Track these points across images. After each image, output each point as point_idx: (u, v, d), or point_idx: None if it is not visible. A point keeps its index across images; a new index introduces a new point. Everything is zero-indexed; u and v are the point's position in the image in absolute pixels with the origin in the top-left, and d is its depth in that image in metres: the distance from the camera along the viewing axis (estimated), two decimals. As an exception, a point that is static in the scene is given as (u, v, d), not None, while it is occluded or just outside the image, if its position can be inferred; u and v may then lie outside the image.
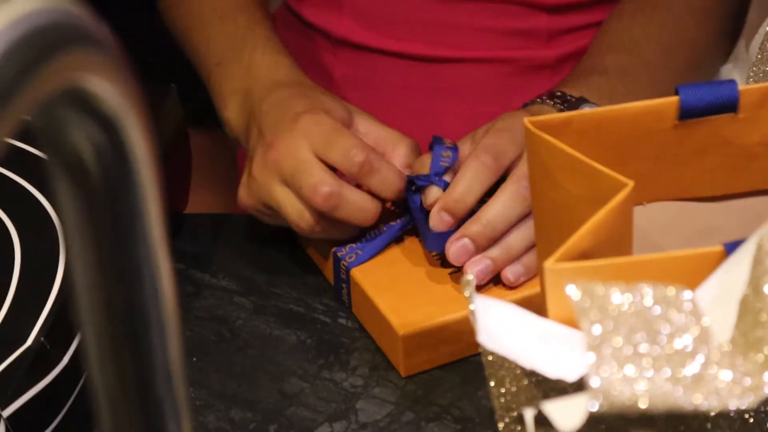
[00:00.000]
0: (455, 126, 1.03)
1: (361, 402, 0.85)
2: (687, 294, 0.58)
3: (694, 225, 0.74)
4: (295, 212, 0.89)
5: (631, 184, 0.65)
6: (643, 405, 0.56)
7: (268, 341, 0.91)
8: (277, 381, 0.87)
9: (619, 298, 0.58)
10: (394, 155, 0.92)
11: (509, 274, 0.89)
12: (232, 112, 0.98)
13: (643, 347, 0.57)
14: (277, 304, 0.94)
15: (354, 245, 0.92)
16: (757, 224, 0.65)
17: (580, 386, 0.65)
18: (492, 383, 0.67)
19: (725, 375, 0.58)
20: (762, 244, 0.60)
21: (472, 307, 0.64)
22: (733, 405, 0.57)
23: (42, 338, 0.76)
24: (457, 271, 0.90)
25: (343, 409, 0.85)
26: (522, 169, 0.89)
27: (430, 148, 0.93)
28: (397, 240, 0.93)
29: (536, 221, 0.72)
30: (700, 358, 0.58)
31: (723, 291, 0.61)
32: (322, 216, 0.89)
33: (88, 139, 0.42)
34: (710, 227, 0.75)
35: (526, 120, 0.69)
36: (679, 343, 0.58)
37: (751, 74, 0.82)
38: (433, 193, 0.90)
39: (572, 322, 0.62)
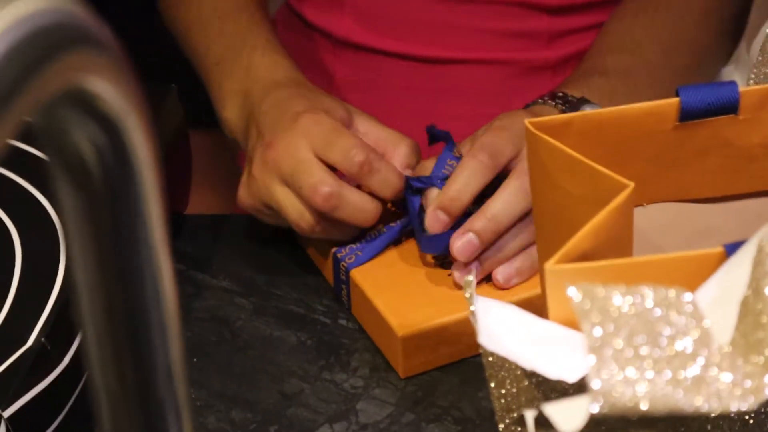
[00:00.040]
0: (456, 127, 1.03)
1: (361, 403, 0.85)
2: (687, 296, 0.58)
3: (694, 226, 0.75)
4: (296, 212, 0.89)
5: (631, 185, 0.65)
6: (643, 407, 0.56)
7: (269, 342, 0.91)
8: (278, 382, 0.87)
9: (619, 300, 0.58)
10: (395, 155, 0.92)
11: (499, 276, 0.89)
12: (231, 113, 0.98)
13: (644, 349, 0.57)
14: (277, 305, 0.94)
15: (354, 246, 0.92)
16: (757, 225, 0.65)
17: (580, 387, 0.65)
18: (492, 384, 0.67)
19: (726, 377, 0.58)
20: (762, 246, 0.60)
21: (472, 308, 0.64)
22: (734, 407, 0.57)
23: (43, 339, 0.76)
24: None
25: (344, 410, 0.85)
26: (525, 165, 0.89)
27: (432, 139, 0.94)
28: (397, 241, 0.93)
29: (536, 222, 0.72)
30: (700, 360, 0.58)
31: (723, 292, 0.61)
32: (322, 216, 0.89)
33: (89, 139, 0.42)
34: (710, 228, 0.75)
35: (527, 121, 0.69)
36: (679, 345, 0.58)
37: (752, 76, 0.82)
38: (434, 194, 0.90)
39: (573, 323, 0.62)
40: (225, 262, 0.98)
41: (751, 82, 0.80)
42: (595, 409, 0.56)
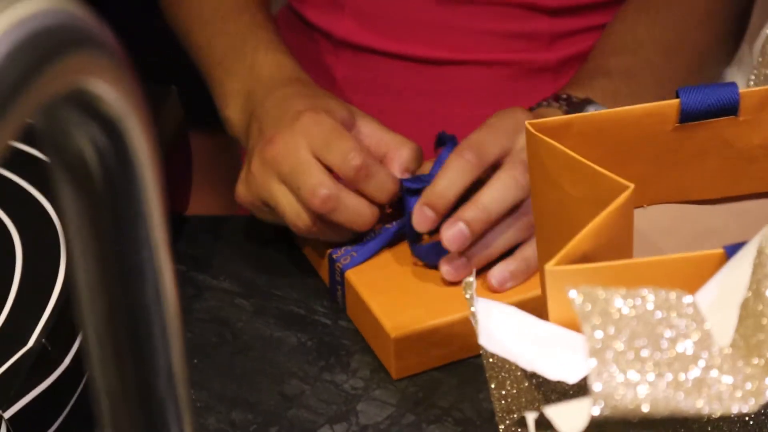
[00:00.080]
0: (456, 128, 1.03)
1: (361, 404, 0.85)
2: (688, 298, 0.59)
3: (694, 227, 0.75)
4: (293, 212, 0.89)
5: (631, 186, 0.65)
6: (644, 409, 0.56)
7: (269, 343, 0.91)
8: (278, 383, 0.87)
9: (620, 302, 0.58)
10: (396, 158, 0.92)
11: (494, 279, 0.89)
12: (233, 111, 0.98)
13: (645, 352, 0.57)
14: (277, 306, 0.94)
15: (349, 247, 0.92)
16: (757, 227, 0.65)
17: (581, 388, 0.65)
18: (493, 385, 0.67)
19: (726, 379, 0.58)
20: (763, 248, 0.60)
21: (473, 309, 0.65)
22: (735, 409, 0.57)
23: (43, 340, 0.77)
24: None
25: (344, 411, 0.85)
26: (517, 157, 0.89)
27: (440, 143, 0.94)
28: (393, 243, 0.93)
29: (537, 223, 0.72)
30: (701, 363, 0.58)
31: (724, 294, 0.61)
32: (319, 217, 0.89)
33: (90, 140, 0.42)
34: (710, 230, 0.75)
35: (527, 122, 0.69)
36: (680, 348, 0.58)
37: (752, 77, 0.82)
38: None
39: (573, 325, 0.62)
40: (225, 263, 0.98)
41: (752, 83, 0.80)
42: (596, 411, 0.56)
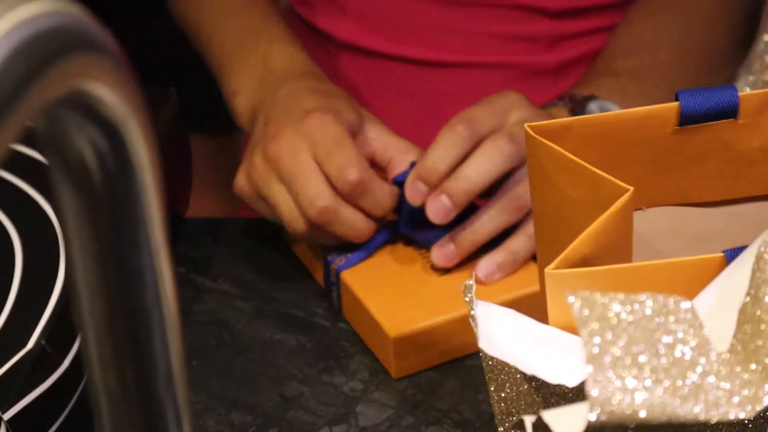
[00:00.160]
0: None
1: (360, 406, 0.85)
2: (686, 304, 0.59)
3: (694, 230, 0.75)
4: (290, 214, 0.90)
5: (631, 189, 0.65)
6: (642, 415, 0.56)
7: (268, 345, 0.91)
8: (277, 385, 0.87)
9: (618, 307, 0.58)
10: (401, 164, 0.92)
11: (480, 272, 0.89)
12: (243, 101, 0.98)
13: (643, 357, 0.57)
14: (277, 308, 0.94)
15: (343, 249, 0.93)
16: (757, 230, 0.65)
17: (580, 391, 0.65)
18: (492, 388, 0.67)
19: (724, 385, 0.58)
20: (761, 254, 0.60)
21: (473, 312, 0.65)
22: (732, 415, 0.57)
23: (43, 341, 0.77)
24: (448, 272, 0.91)
25: (343, 413, 0.85)
26: (504, 129, 0.88)
27: None
28: (387, 243, 0.93)
29: (536, 226, 0.72)
30: (699, 369, 0.58)
31: (722, 300, 0.61)
32: (314, 224, 0.89)
33: (90, 143, 0.43)
34: (710, 232, 0.75)
35: (526, 125, 0.69)
36: (678, 354, 0.58)
37: (750, 82, 0.82)
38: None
39: (573, 328, 0.62)
40: (225, 265, 0.98)
41: (747, 88, 0.80)
42: (593, 417, 0.56)
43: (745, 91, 0.71)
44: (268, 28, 1.01)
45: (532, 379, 0.66)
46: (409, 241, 0.94)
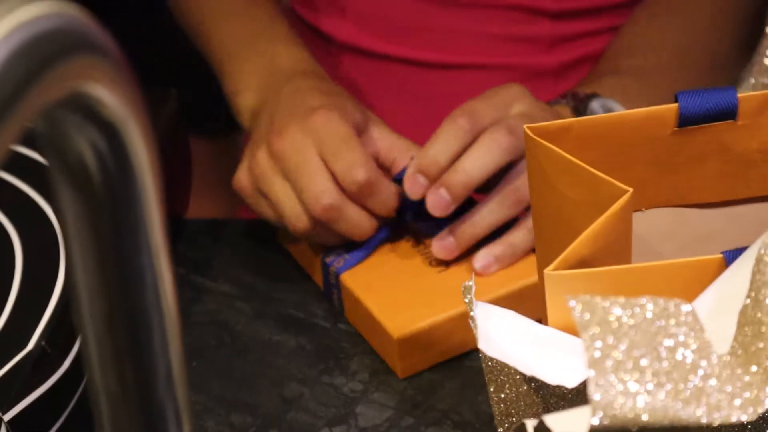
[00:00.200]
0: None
1: (360, 407, 0.85)
2: (687, 307, 0.59)
3: (693, 231, 0.75)
4: (293, 212, 0.89)
5: (630, 190, 0.65)
6: (644, 419, 0.56)
7: (268, 346, 0.91)
8: (277, 386, 0.87)
9: (619, 311, 0.58)
10: (405, 161, 0.92)
11: (478, 263, 0.89)
12: (246, 100, 0.98)
13: (644, 361, 0.57)
14: (277, 309, 0.94)
15: (341, 250, 0.93)
16: (756, 231, 0.65)
17: (579, 392, 0.65)
18: (491, 388, 0.67)
19: (726, 388, 0.58)
20: (761, 256, 0.60)
21: (472, 313, 0.65)
22: (734, 418, 0.57)
23: (43, 342, 0.77)
24: (447, 269, 0.91)
25: (343, 413, 0.85)
26: (503, 123, 0.88)
27: None
28: (385, 243, 0.93)
29: (536, 227, 0.72)
30: (700, 371, 0.58)
31: (722, 302, 0.61)
32: (318, 222, 0.89)
33: (90, 144, 0.43)
34: (709, 233, 0.75)
35: (526, 127, 0.69)
36: (679, 357, 0.58)
37: (750, 85, 0.82)
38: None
39: (572, 329, 0.62)
40: (225, 266, 0.98)
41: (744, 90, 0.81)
42: (596, 421, 0.56)
43: (733, 87, 0.71)
44: (272, 27, 1.01)
45: (531, 380, 0.66)
46: (409, 237, 0.94)
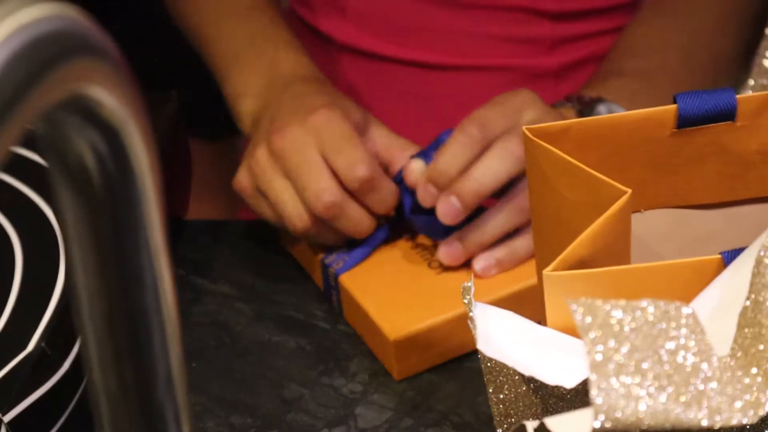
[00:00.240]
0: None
1: (360, 408, 0.85)
2: (687, 310, 0.59)
3: (691, 232, 0.75)
4: (294, 211, 0.89)
5: (629, 191, 0.65)
6: (645, 422, 0.56)
7: (268, 347, 0.91)
8: (277, 387, 0.88)
9: (620, 315, 0.58)
10: (401, 160, 0.92)
11: (478, 266, 0.89)
12: (247, 106, 0.98)
13: (645, 364, 0.57)
14: (277, 311, 0.94)
15: (340, 251, 0.93)
16: (755, 232, 0.65)
17: (578, 393, 0.65)
18: (490, 389, 0.67)
19: (726, 390, 0.58)
20: (761, 258, 0.60)
21: (471, 314, 0.65)
22: (735, 420, 0.57)
23: (43, 344, 0.77)
24: (445, 272, 0.91)
25: (343, 415, 0.85)
26: (515, 131, 0.88)
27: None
28: (384, 244, 0.94)
29: (535, 228, 0.73)
30: (701, 375, 0.58)
31: (722, 304, 0.61)
32: (318, 220, 0.89)
33: (90, 147, 0.43)
34: (708, 234, 0.75)
35: (525, 128, 0.69)
36: (680, 360, 0.58)
37: (751, 83, 0.82)
38: (415, 165, 0.90)
39: (571, 330, 0.62)
40: (225, 267, 0.98)
41: (750, 92, 0.81)
42: (597, 424, 0.56)
43: (731, 88, 0.72)
44: (273, 32, 1.01)
45: (530, 381, 0.66)
46: (408, 238, 0.94)
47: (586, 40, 1.10)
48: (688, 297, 0.62)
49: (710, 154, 0.72)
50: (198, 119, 1.18)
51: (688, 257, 0.65)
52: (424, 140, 0.97)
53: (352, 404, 0.86)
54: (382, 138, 0.93)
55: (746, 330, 0.59)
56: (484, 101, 1.09)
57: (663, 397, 0.57)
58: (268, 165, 0.90)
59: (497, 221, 0.90)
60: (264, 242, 1.00)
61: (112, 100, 0.41)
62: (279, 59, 0.98)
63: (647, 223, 0.74)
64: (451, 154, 0.88)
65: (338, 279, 0.91)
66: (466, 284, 0.65)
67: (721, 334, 0.60)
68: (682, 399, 0.57)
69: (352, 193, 0.89)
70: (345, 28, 1.12)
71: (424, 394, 0.86)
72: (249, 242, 1.00)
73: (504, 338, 0.64)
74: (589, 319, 0.58)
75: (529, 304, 0.66)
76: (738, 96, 0.71)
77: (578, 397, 0.65)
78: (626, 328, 0.58)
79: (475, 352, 0.88)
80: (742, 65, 1.06)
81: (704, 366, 0.58)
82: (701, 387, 0.58)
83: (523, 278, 0.89)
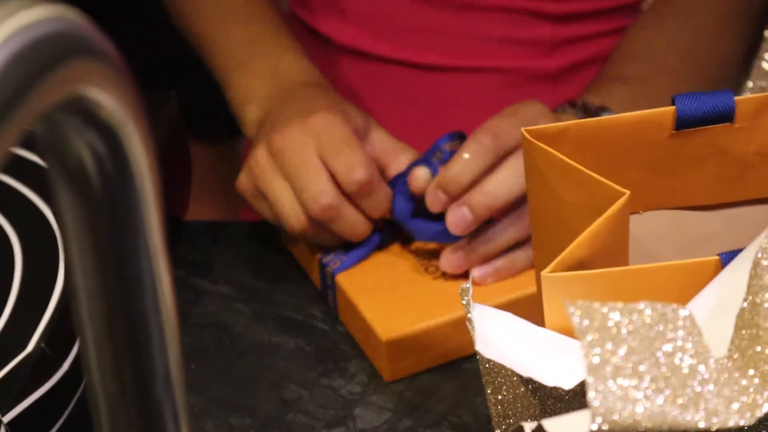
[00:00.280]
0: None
1: (359, 409, 0.86)
2: (684, 312, 0.59)
3: (690, 234, 0.75)
4: (291, 211, 0.90)
5: (627, 193, 0.65)
6: (644, 424, 0.56)
7: (267, 348, 0.91)
8: (276, 388, 0.88)
9: (618, 317, 0.58)
10: (395, 164, 0.92)
11: (476, 272, 0.89)
12: (252, 113, 0.98)
13: (643, 367, 0.57)
14: (276, 312, 0.94)
15: (338, 251, 0.93)
16: (753, 233, 0.65)
17: (576, 394, 0.65)
18: (489, 390, 0.68)
19: (723, 392, 0.58)
20: (758, 260, 0.60)
21: (469, 315, 0.65)
22: (732, 422, 0.57)
23: (42, 344, 0.77)
24: (442, 276, 0.91)
25: (342, 416, 0.85)
26: None
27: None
28: (382, 245, 0.94)
29: (533, 229, 0.73)
30: (698, 377, 0.58)
31: (720, 305, 0.61)
32: (315, 222, 0.89)
33: (89, 148, 0.43)
34: (706, 236, 0.75)
35: (523, 129, 0.69)
36: (677, 362, 0.58)
37: (750, 86, 0.82)
38: (420, 173, 0.90)
39: (569, 331, 0.62)
40: (224, 268, 0.98)
41: (748, 94, 0.81)
42: (595, 427, 0.56)
43: (729, 90, 0.72)
44: (280, 39, 1.02)
45: (528, 382, 0.66)
46: (407, 241, 0.94)
47: (586, 42, 1.10)
48: (686, 298, 0.62)
49: (708, 155, 0.73)
50: (198, 120, 1.18)
51: (686, 258, 0.65)
52: (423, 141, 0.97)
53: (351, 405, 0.86)
54: (381, 142, 0.93)
55: (743, 331, 0.59)
56: (484, 103, 1.10)
57: (660, 400, 0.57)
58: (268, 165, 0.90)
59: (506, 236, 0.90)
60: (263, 243, 1.00)
61: (111, 101, 0.42)
62: (284, 65, 0.98)
63: (645, 225, 0.74)
64: (464, 163, 0.88)
65: (335, 278, 0.92)
66: (464, 286, 0.65)
67: (719, 335, 0.60)
68: (680, 401, 0.57)
69: (349, 196, 0.89)
70: (345, 30, 1.12)
71: (422, 395, 0.86)
72: (248, 243, 1.01)
73: (502, 339, 0.64)
74: (586, 322, 0.58)
75: (525, 314, 0.66)
76: (736, 98, 0.71)
77: (576, 399, 0.65)
78: (623, 331, 0.58)
79: (471, 354, 0.88)
80: (742, 67, 1.06)
81: (701, 368, 0.58)
82: (698, 389, 0.58)
83: (519, 287, 0.89)
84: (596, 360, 0.57)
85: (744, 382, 0.58)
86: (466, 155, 0.88)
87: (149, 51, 1.21)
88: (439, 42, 1.09)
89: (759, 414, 0.58)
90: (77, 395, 0.79)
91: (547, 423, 0.58)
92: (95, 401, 0.48)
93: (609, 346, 0.57)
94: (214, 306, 0.95)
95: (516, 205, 0.89)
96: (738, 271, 0.62)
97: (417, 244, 0.94)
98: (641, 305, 0.58)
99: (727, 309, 0.61)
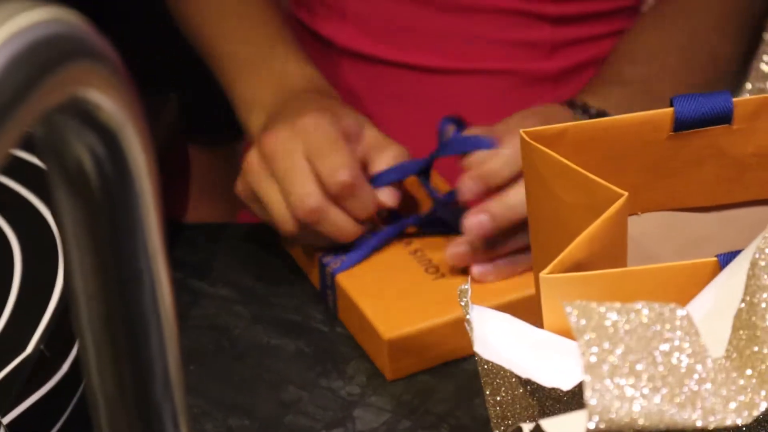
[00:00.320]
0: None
1: (358, 410, 0.86)
2: (682, 311, 0.59)
3: (688, 235, 0.75)
4: (280, 213, 0.91)
5: (625, 194, 0.66)
6: (640, 423, 0.57)
7: (266, 350, 0.91)
8: (275, 389, 0.88)
9: (615, 316, 0.58)
10: (380, 159, 0.93)
11: (475, 269, 0.90)
12: (256, 120, 0.98)
13: (640, 366, 0.57)
14: (275, 313, 0.94)
15: (338, 252, 0.93)
16: (751, 234, 0.65)
17: (574, 395, 0.65)
18: (487, 391, 0.68)
19: (721, 392, 0.58)
20: (756, 260, 0.60)
21: (468, 316, 0.65)
22: (729, 421, 0.57)
23: (42, 346, 0.77)
24: (442, 276, 0.91)
25: (341, 417, 0.85)
26: None
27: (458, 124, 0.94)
28: (381, 246, 0.94)
29: (532, 231, 0.73)
30: (696, 376, 0.58)
31: (718, 306, 0.62)
32: (303, 224, 0.90)
33: (88, 149, 0.43)
34: (704, 237, 0.75)
35: (522, 131, 0.69)
36: (674, 361, 0.58)
37: (749, 87, 0.83)
38: (479, 156, 0.90)
39: (567, 332, 0.62)
40: (223, 270, 0.98)
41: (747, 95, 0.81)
42: (592, 425, 0.56)
43: (727, 91, 0.72)
44: (284, 46, 1.02)
45: (527, 383, 0.66)
46: (407, 241, 0.94)
47: (586, 44, 1.10)
48: (684, 299, 0.62)
49: (707, 157, 0.73)
50: (198, 122, 1.18)
51: (684, 260, 0.65)
52: (424, 143, 0.97)
53: (350, 406, 0.86)
54: (371, 139, 0.93)
55: (741, 332, 0.59)
56: (485, 105, 1.10)
57: (657, 398, 0.57)
58: (259, 168, 0.91)
59: (512, 244, 0.90)
60: (262, 245, 1.00)
61: (110, 103, 0.42)
62: (288, 75, 0.99)
63: (644, 226, 0.74)
64: (507, 159, 0.88)
65: (335, 278, 0.92)
66: (462, 287, 0.65)
67: (717, 335, 0.60)
68: (677, 400, 0.57)
69: (334, 197, 0.90)
70: (345, 32, 1.12)
71: (421, 397, 0.86)
72: (247, 245, 1.01)
73: (501, 340, 0.64)
74: (584, 322, 0.58)
75: (524, 315, 0.66)
76: (735, 99, 0.71)
77: (575, 399, 0.65)
78: (621, 330, 0.58)
79: (471, 355, 0.88)
80: (741, 68, 1.06)
81: (698, 367, 0.58)
82: (695, 388, 0.58)
83: (518, 289, 0.90)
84: (593, 359, 0.57)
85: (741, 381, 0.58)
86: (509, 151, 0.88)
87: (149, 53, 1.21)
88: (440, 44, 1.09)
89: (756, 413, 0.58)
90: (77, 397, 0.79)
91: (545, 423, 0.58)
92: (94, 403, 0.48)
93: (606, 345, 0.57)
94: (213, 308, 0.95)
95: None
96: (736, 273, 0.62)
97: (416, 245, 0.94)
98: (638, 305, 0.58)
99: (725, 310, 0.61)
